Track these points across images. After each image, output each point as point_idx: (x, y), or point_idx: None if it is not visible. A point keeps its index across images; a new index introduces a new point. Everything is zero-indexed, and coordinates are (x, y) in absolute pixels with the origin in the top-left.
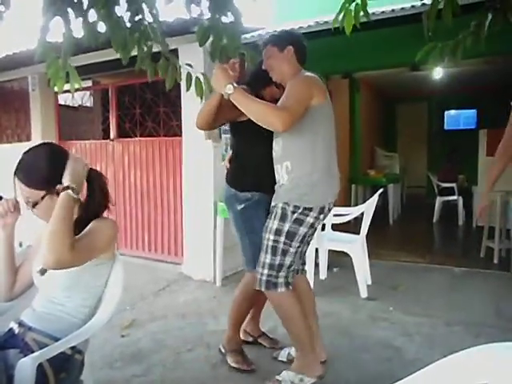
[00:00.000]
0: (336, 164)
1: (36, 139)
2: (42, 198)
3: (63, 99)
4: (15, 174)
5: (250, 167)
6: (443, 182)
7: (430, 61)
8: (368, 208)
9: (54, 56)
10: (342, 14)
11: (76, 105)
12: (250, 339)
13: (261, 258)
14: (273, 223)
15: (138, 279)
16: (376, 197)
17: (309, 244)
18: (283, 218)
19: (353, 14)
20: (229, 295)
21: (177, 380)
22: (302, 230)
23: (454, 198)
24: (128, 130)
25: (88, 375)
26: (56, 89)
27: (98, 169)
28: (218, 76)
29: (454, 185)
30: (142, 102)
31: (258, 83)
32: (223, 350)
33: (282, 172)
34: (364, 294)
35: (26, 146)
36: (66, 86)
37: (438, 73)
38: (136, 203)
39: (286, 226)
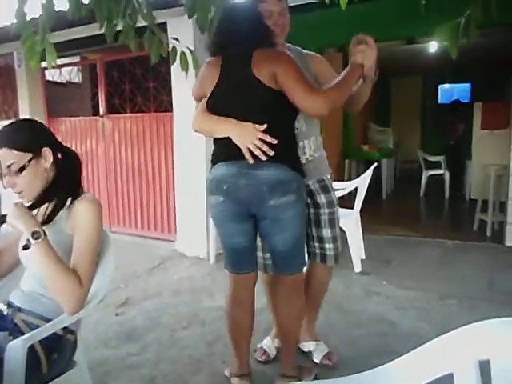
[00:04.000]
0: None
1: (24, 116)
2: (29, 161)
3: (51, 75)
4: None
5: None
6: (450, 136)
7: (447, 40)
8: (362, 183)
9: (30, 30)
10: None
11: (64, 81)
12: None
13: (322, 234)
14: (326, 197)
15: (131, 257)
16: (370, 172)
17: None
18: (329, 190)
19: None
20: (223, 272)
21: (172, 358)
22: None
23: (441, 171)
24: (118, 105)
25: (81, 355)
26: (32, 65)
27: (88, 145)
28: (374, 58)
29: (440, 158)
30: (131, 77)
31: (270, 43)
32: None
33: (308, 148)
34: (358, 268)
35: None
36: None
37: (432, 46)
38: (127, 180)
39: (333, 196)
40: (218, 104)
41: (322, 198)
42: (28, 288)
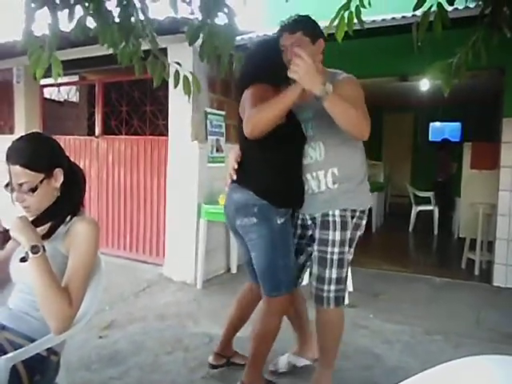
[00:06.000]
0: None
1: (19, 132)
2: (41, 181)
3: (49, 93)
4: (9, 158)
5: (290, 179)
6: (439, 174)
7: (440, 79)
8: None
9: (37, 45)
10: (337, 21)
11: (61, 99)
12: (224, 361)
13: (324, 275)
14: (334, 235)
15: (117, 279)
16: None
17: None
18: (344, 226)
19: (346, 21)
20: (209, 298)
21: (154, 383)
22: (358, 235)
23: (430, 207)
24: (113, 127)
25: (63, 377)
26: (36, 75)
27: (82, 165)
28: (311, 70)
29: (430, 194)
30: (128, 100)
31: (276, 78)
32: None
33: (324, 179)
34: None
35: (8, 138)
36: (51, 80)
37: (424, 84)
38: (119, 202)
39: (348, 234)
40: None
41: (316, 234)
42: (14, 306)
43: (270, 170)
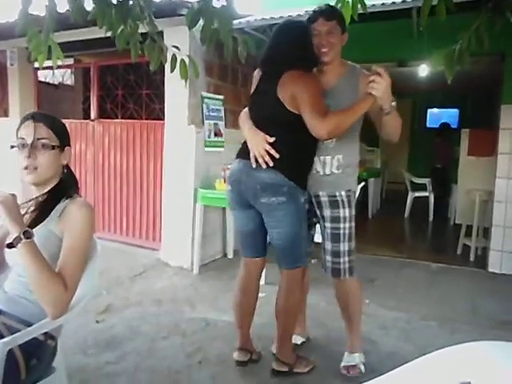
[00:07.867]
0: None
1: (14, 115)
2: (53, 147)
3: (43, 76)
4: (34, 117)
5: (310, 163)
6: (437, 160)
7: (444, 66)
8: None
9: (35, 29)
10: (340, 5)
11: (56, 82)
12: (249, 356)
13: (338, 248)
14: (344, 212)
15: (114, 264)
16: (358, 189)
17: None
18: (350, 204)
19: (350, 5)
20: (206, 283)
21: (151, 368)
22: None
23: (426, 194)
24: (109, 110)
25: (61, 362)
26: (37, 63)
27: (78, 149)
28: (388, 89)
29: (426, 181)
30: (124, 83)
31: (310, 64)
32: (286, 369)
33: (330, 163)
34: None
35: (2, 121)
36: (48, 62)
37: (423, 70)
38: (115, 186)
39: (353, 211)
40: (250, 110)
41: (327, 212)
42: (11, 290)
43: (301, 154)
